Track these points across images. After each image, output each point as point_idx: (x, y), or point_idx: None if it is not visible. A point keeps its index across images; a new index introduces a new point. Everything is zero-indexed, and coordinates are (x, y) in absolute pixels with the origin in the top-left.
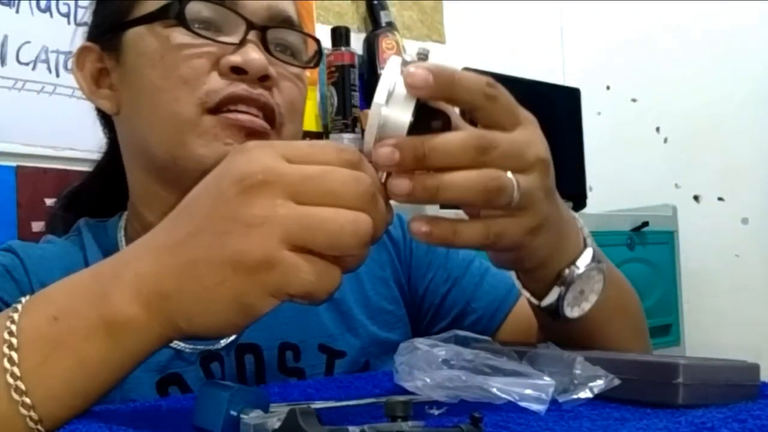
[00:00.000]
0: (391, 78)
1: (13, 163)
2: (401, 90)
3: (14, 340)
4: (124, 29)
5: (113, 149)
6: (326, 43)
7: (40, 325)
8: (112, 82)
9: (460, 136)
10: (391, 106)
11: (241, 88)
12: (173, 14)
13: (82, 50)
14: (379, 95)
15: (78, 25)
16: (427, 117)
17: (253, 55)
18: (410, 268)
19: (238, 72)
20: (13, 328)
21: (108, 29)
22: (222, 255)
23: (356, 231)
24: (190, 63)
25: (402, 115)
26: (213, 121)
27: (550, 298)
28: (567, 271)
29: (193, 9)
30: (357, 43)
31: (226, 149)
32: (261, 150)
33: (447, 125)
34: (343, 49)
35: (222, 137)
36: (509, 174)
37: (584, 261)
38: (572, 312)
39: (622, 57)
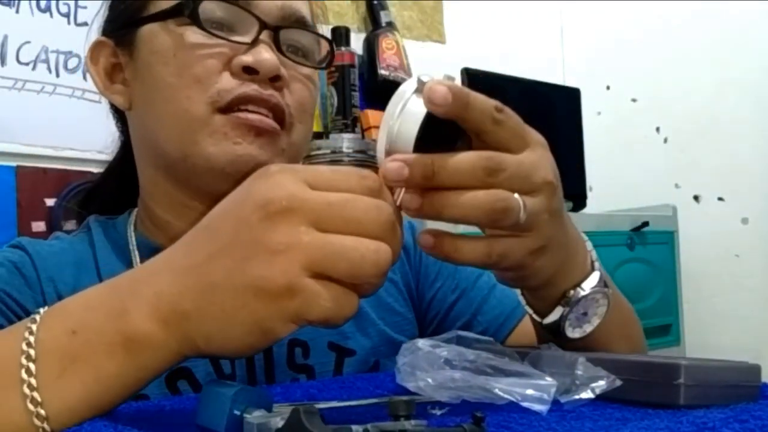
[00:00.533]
0: (405, 94)
1: (13, 163)
2: (413, 107)
3: (32, 351)
4: (138, 25)
5: (126, 146)
6: None
7: (58, 338)
8: (125, 77)
9: (469, 157)
10: (403, 122)
11: (252, 88)
12: (187, 13)
13: (97, 45)
14: (392, 110)
15: (78, 25)
16: (446, 135)
17: (265, 55)
18: (419, 275)
19: (249, 72)
20: (32, 339)
21: (122, 25)
22: (244, 280)
23: (377, 261)
24: (202, 62)
25: (412, 130)
26: (223, 121)
27: (553, 317)
28: (572, 292)
29: (207, 8)
30: (357, 43)
31: (236, 148)
32: (284, 175)
33: (468, 146)
34: (343, 49)
35: (232, 136)
36: (516, 195)
37: (590, 284)
38: (573, 333)
39: (622, 57)
